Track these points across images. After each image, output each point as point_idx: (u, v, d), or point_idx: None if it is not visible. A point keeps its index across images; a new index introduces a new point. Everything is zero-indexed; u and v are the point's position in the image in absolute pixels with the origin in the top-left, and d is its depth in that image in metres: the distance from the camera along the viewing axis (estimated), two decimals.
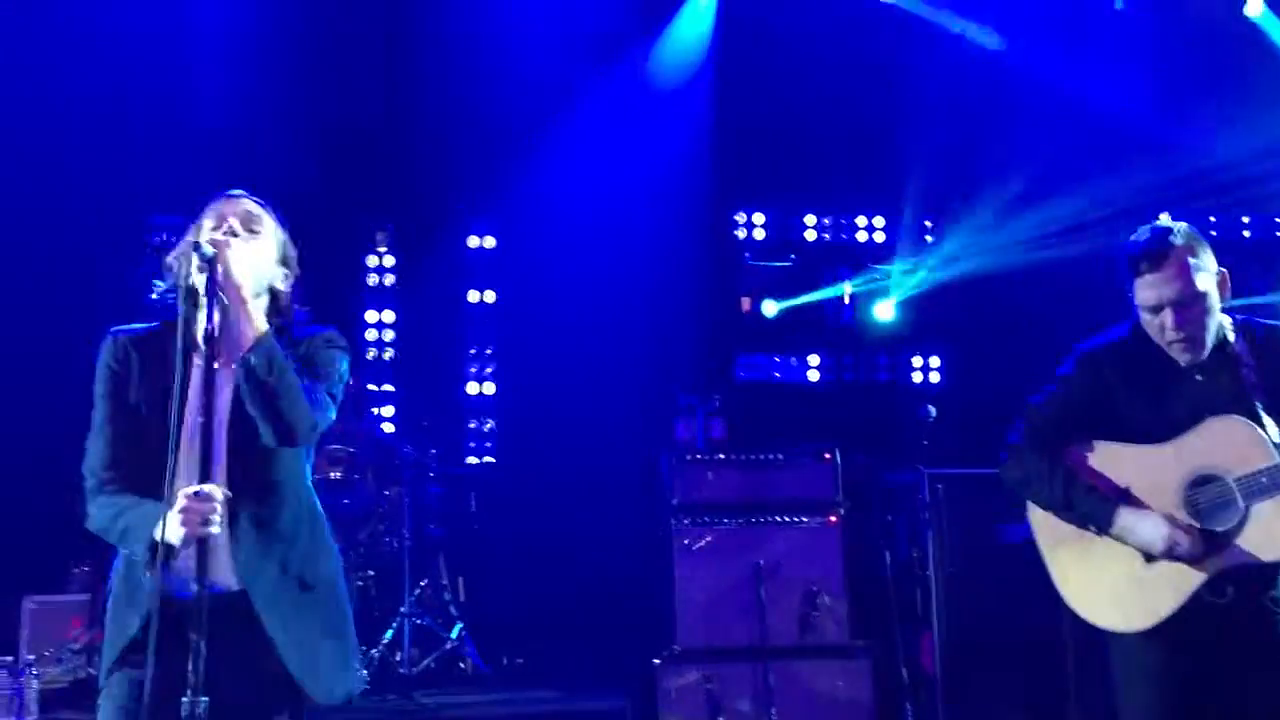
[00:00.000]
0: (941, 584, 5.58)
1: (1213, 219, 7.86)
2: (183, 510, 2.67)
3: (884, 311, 7.81)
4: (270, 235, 3.02)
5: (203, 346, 2.77)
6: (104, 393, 2.95)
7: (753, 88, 7.65)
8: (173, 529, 2.68)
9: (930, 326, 7.81)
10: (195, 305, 2.84)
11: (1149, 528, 3.27)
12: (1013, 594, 5.24)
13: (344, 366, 3.10)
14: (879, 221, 8.00)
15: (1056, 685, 5.33)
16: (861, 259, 7.91)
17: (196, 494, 2.68)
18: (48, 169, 6.71)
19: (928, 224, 7.84)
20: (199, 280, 2.79)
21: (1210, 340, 3.32)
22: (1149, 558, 3.31)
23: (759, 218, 7.92)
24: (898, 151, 7.61)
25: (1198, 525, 3.25)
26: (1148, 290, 3.29)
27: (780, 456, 6.02)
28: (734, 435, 6.57)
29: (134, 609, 2.84)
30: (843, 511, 5.93)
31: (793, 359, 7.80)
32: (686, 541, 5.81)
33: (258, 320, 2.84)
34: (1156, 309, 3.30)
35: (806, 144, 7.68)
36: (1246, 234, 8.11)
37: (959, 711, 5.48)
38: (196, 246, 2.79)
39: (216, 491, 2.70)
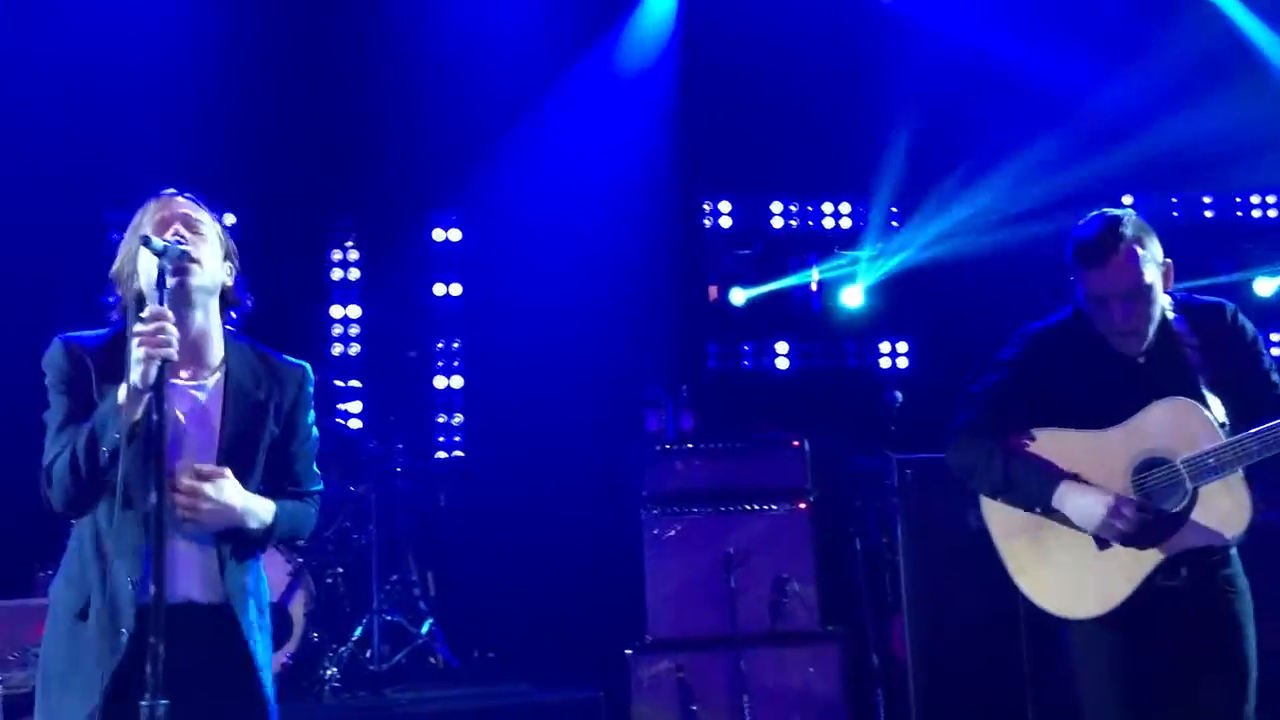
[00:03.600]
0: (911, 569, 5.58)
1: (1174, 199, 7.91)
2: (139, 334, 2.63)
3: (852, 298, 7.80)
4: (212, 233, 2.97)
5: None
6: (62, 391, 2.88)
7: (718, 75, 7.62)
8: (133, 369, 2.63)
9: (898, 312, 7.81)
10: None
11: (1091, 501, 3.25)
12: (983, 578, 5.24)
13: (313, 419, 3.14)
14: (845, 208, 7.96)
15: (1023, 670, 5.35)
16: (829, 246, 7.89)
17: (148, 315, 2.65)
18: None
19: (894, 210, 7.84)
20: (151, 285, 2.75)
21: (1154, 329, 3.33)
22: (1101, 544, 3.32)
23: (725, 205, 7.87)
24: (864, 138, 7.60)
25: (1141, 503, 3.24)
26: (1095, 284, 3.29)
27: (749, 445, 6.03)
28: (703, 424, 6.55)
29: (122, 622, 2.74)
30: (812, 498, 5.95)
31: (762, 347, 7.78)
32: (656, 532, 5.80)
33: (255, 514, 2.88)
34: (1103, 301, 3.30)
35: (773, 131, 7.65)
36: (1209, 214, 8.12)
37: (930, 696, 5.49)
38: (163, 252, 2.71)
39: (165, 310, 2.66)
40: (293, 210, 7.19)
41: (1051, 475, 3.32)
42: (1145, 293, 3.27)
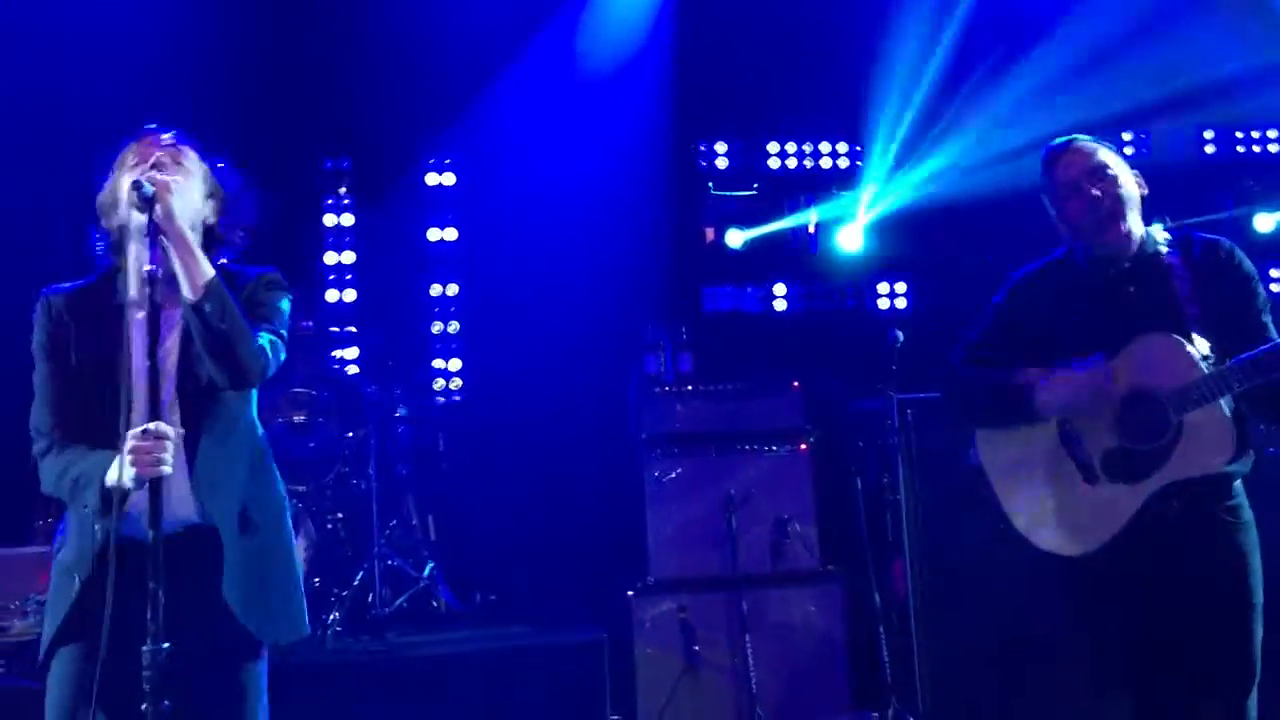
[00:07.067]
0: (912, 508, 5.58)
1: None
2: (132, 450, 2.60)
3: (850, 238, 7.74)
4: (196, 169, 2.96)
5: (147, 288, 2.69)
6: (43, 354, 2.91)
7: (713, 14, 7.51)
8: (124, 472, 2.62)
9: (897, 252, 7.75)
10: (134, 246, 2.80)
11: (1069, 386, 3.31)
12: (983, 516, 5.24)
13: (286, 306, 3.06)
14: (843, 148, 7.89)
15: (1024, 606, 5.36)
16: (826, 186, 7.82)
17: (145, 432, 2.62)
18: None
19: (893, 149, 7.76)
20: (139, 219, 2.73)
21: (1132, 225, 3.38)
22: (1089, 479, 3.33)
23: (721, 147, 7.79)
24: (863, 76, 7.51)
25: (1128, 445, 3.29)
26: (1059, 176, 3.43)
27: (748, 387, 6.01)
28: (702, 367, 6.53)
29: (80, 569, 2.77)
30: (812, 439, 5.93)
31: (760, 289, 7.74)
32: (657, 474, 5.80)
33: (205, 264, 2.79)
34: (1073, 189, 3.38)
35: (769, 71, 7.56)
36: (1210, 150, 8.03)
37: (931, 635, 5.50)
38: (137, 185, 2.71)
39: (167, 429, 2.63)
40: (285, 156, 7.10)
41: (1030, 381, 3.38)
42: (1105, 169, 3.38)
